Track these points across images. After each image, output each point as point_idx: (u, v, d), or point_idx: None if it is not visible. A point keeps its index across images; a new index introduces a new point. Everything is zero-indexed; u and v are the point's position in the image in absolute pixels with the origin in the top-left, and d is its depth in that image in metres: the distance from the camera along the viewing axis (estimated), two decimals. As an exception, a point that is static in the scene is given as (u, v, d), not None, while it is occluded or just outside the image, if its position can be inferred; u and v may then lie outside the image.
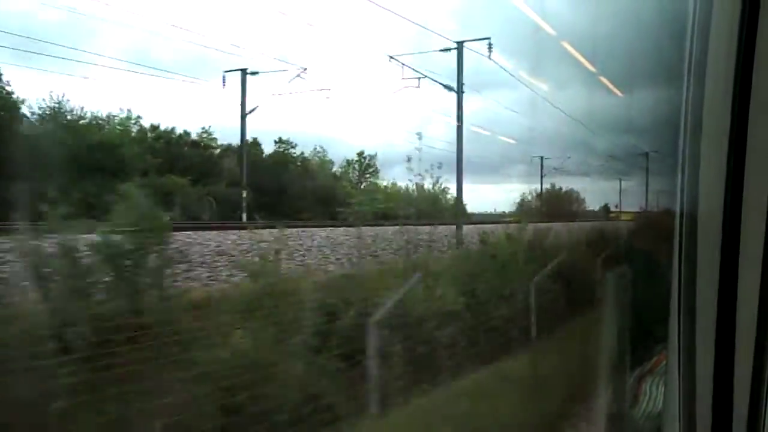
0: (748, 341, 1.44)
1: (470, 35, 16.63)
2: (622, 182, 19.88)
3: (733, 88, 1.44)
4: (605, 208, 22.31)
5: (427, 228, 10.24)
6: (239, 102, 19.82)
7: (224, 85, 19.40)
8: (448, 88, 16.91)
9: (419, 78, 17.28)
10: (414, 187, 11.54)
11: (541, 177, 25.19)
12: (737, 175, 1.44)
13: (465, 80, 16.94)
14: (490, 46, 16.73)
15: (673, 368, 1.69)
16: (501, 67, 16.72)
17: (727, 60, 1.45)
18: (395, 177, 22.66)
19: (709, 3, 1.51)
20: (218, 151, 24.73)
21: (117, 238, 5.51)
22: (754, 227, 1.43)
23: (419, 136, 10.47)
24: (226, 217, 17.61)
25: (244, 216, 17.74)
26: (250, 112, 19.70)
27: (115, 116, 21.67)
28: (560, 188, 26.43)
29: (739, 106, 1.43)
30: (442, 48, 16.41)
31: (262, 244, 7.05)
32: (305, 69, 18.71)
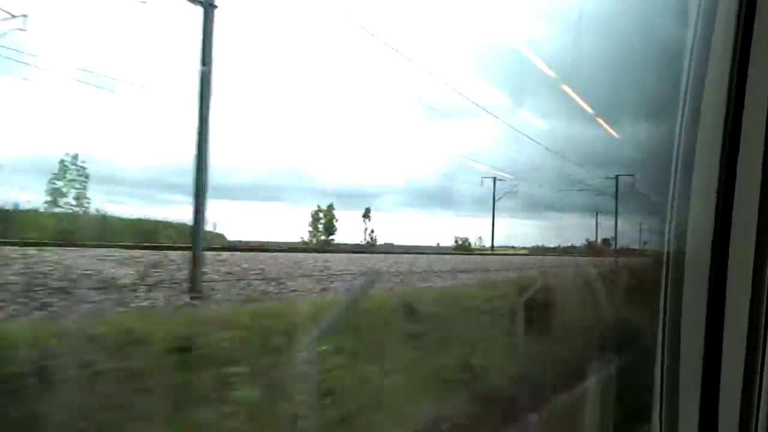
0: (736, 377, 1.43)
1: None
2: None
3: (724, 126, 1.45)
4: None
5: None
6: None
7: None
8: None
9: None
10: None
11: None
12: (726, 212, 1.44)
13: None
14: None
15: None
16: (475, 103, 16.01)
17: (718, 99, 1.47)
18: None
19: (706, 44, 1.54)
20: None
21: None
22: (741, 264, 1.42)
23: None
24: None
25: None
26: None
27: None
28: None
29: (729, 143, 1.44)
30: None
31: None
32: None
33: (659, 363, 1.63)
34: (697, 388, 1.47)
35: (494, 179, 19.03)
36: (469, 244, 21.67)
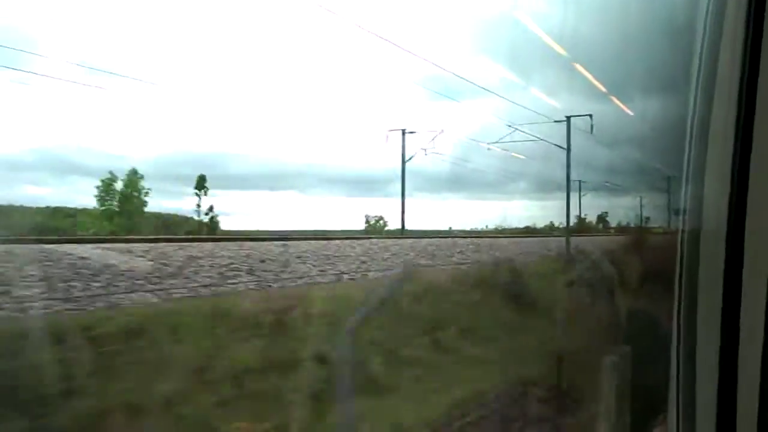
0: (754, 363, 1.40)
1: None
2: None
3: (738, 99, 1.42)
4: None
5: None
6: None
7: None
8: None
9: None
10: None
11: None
12: (741, 187, 1.41)
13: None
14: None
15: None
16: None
17: (731, 72, 1.43)
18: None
19: (719, 17, 1.49)
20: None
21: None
22: (758, 241, 1.39)
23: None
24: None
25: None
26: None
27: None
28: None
29: (744, 116, 1.40)
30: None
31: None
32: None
33: (675, 348, 1.60)
34: (714, 376, 1.44)
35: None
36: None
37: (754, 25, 1.39)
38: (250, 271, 8.25)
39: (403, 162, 18.50)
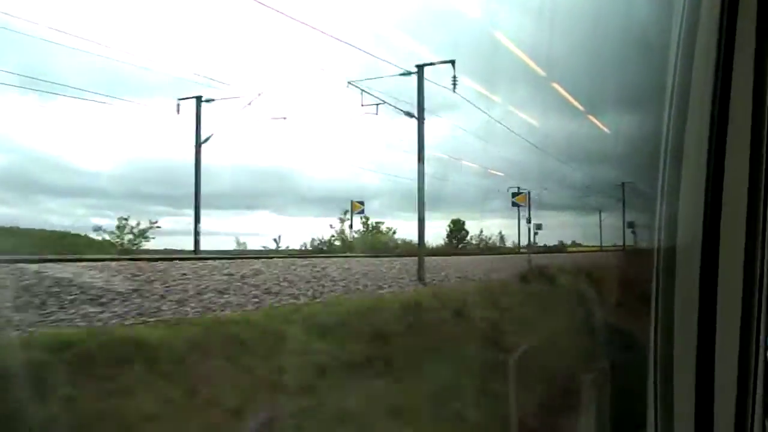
0: (731, 370, 1.42)
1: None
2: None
3: (710, 120, 1.45)
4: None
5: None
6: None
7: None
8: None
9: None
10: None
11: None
12: (715, 205, 1.44)
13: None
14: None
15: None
16: (463, 98, 15.18)
17: (704, 93, 1.47)
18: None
19: (692, 37, 1.53)
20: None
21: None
22: (732, 258, 1.42)
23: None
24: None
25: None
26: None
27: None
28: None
29: (717, 136, 1.44)
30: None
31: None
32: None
33: (652, 362, 1.62)
34: (692, 386, 1.46)
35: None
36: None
37: (725, 46, 1.43)
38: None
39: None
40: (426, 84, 14.47)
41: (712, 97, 1.45)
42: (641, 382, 1.70)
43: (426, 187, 14.05)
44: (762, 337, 1.42)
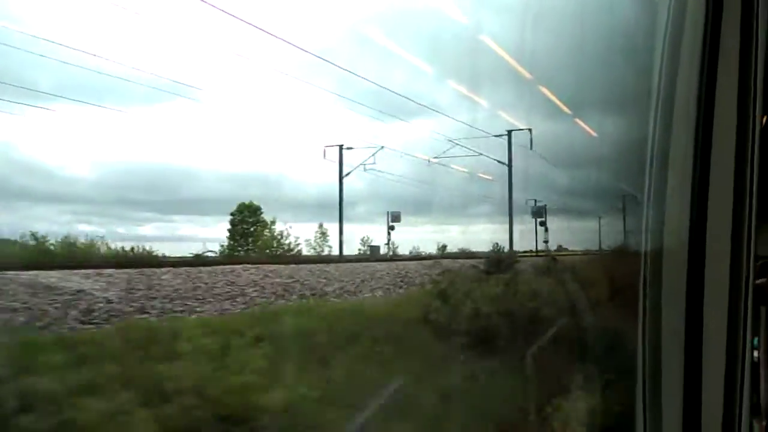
0: (717, 380, 1.44)
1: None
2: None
3: (696, 125, 1.47)
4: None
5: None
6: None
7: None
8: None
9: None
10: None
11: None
12: (701, 209, 1.46)
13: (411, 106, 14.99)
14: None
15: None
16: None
17: (689, 98, 1.49)
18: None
19: (676, 48, 1.55)
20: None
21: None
22: (717, 260, 1.44)
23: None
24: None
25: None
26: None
27: None
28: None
29: (702, 141, 1.46)
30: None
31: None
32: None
33: (640, 364, 1.63)
34: (680, 387, 1.47)
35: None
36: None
37: (710, 52, 1.45)
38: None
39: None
40: (414, 85, 14.47)
41: (698, 102, 1.47)
42: (630, 383, 1.71)
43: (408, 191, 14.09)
44: (748, 337, 1.43)
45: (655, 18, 1.69)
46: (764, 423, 2.24)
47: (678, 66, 1.54)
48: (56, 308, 7.11)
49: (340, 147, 14.98)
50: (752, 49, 1.42)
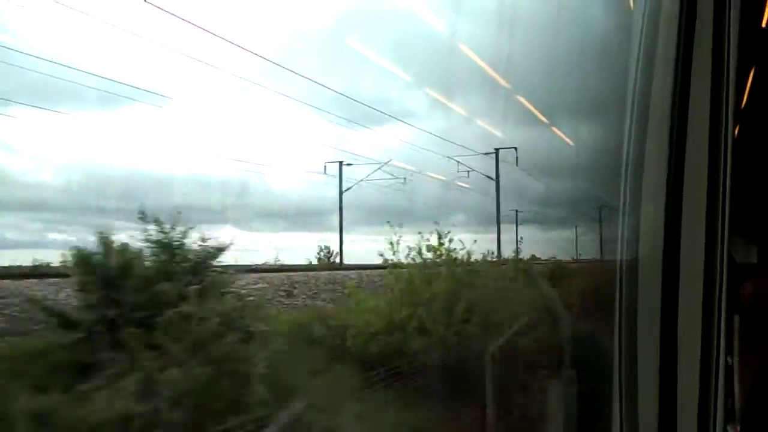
0: (692, 388, 1.44)
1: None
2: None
3: (670, 131, 1.48)
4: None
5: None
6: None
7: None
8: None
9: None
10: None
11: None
12: (675, 216, 1.47)
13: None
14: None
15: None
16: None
17: (663, 104, 1.50)
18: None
19: (651, 56, 1.56)
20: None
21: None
22: (692, 267, 1.45)
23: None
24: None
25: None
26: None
27: None
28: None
29: (676, 148, 1.47)
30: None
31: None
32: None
33: (616, 371, 1.64)
34: (656, 394, 1.48)
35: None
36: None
37: (683, 60, 1.46)
38: None
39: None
40: (390, 90, 14.51)
41: (671, 110, 1.48)
42: (607, 389, 1.72)
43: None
44: (722, 343, 1.44)
45: (630, 26, 1.71)
46: (739, 428, 2.26)
47: (653, 73, 1.56)
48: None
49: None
50: (724, 58, 1.44)
